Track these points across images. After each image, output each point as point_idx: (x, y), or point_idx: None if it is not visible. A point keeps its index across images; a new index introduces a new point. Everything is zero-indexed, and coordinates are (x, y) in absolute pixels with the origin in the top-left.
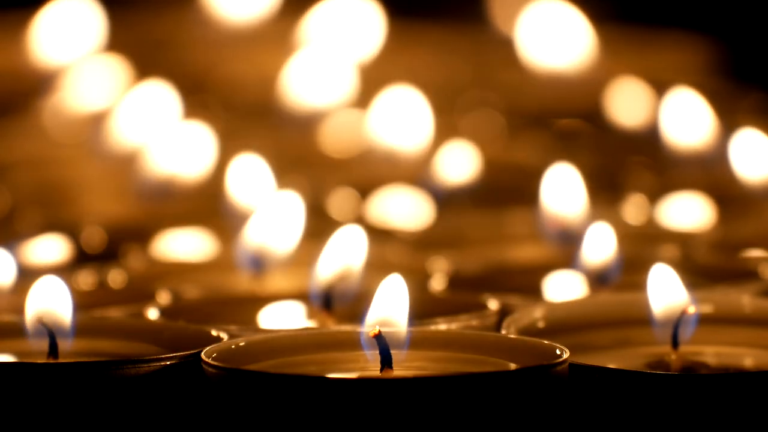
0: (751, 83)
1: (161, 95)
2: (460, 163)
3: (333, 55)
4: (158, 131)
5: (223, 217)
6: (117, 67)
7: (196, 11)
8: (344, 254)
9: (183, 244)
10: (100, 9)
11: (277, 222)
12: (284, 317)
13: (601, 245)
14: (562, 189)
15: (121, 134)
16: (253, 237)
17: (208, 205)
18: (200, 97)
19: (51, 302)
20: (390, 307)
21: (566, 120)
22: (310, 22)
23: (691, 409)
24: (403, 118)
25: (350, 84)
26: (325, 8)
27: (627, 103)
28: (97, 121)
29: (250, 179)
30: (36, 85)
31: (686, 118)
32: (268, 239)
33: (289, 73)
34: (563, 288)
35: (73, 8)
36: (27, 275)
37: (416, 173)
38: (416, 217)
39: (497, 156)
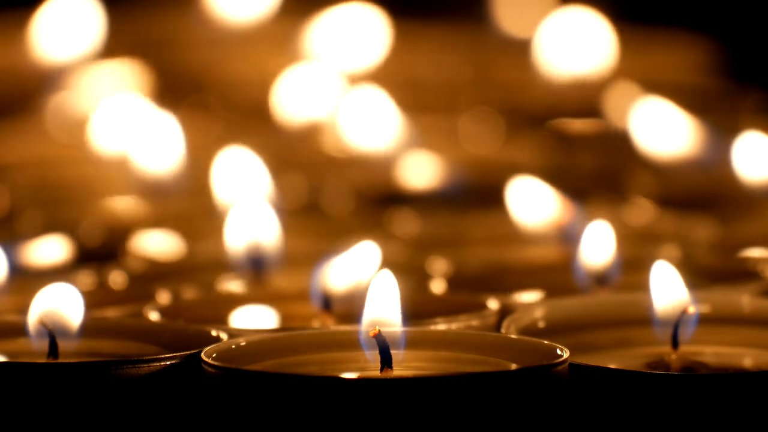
0: (751, 83)
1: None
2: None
3: (333, 55)
4: (158, 131)
5: (222, 218)
6: (117, 66)
7: (196, 11)
8: (357, 268)
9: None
10: (100, 8)
11: (273, 221)
12: (283, 318)
13: (600, 245)
14: (546, 192)
15: (121, 134)
16: (251, 237)
17: (207, 205)
18: (199, 97)
19: (54, 303)
20: (384, 305)
21: (567, 120)
22: (311, 23)
23: (691, 409)
24: (400, 117)
25: (350, 84)
26: (325, 9)
27: (627, 103)
28: (97, 121)
29: (248, 178)
30: (36, 85)
31: (684, 119)
32: (266, 239)
33: (290, 75)
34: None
35: (73, 8)
36: (27, 275)
37: (416, 174)
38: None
39: (496, 156)
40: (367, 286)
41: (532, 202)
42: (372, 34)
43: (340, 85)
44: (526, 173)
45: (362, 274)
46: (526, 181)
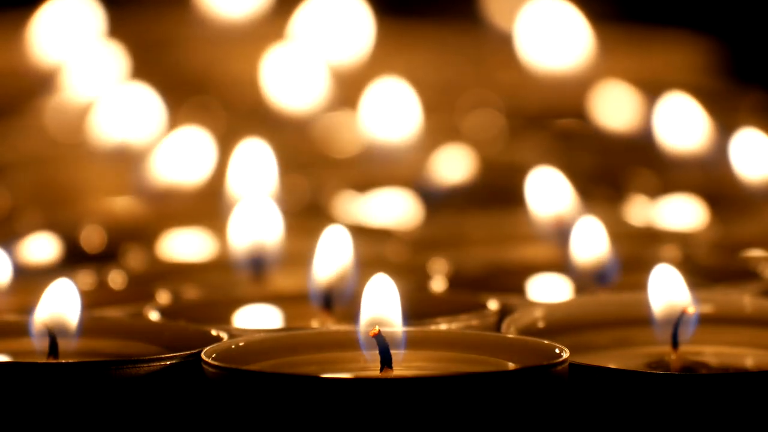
0: (751, 83)
1: (160, 95)
2: (460, 162)
3: (329, 56)
4: (157, 131)
5: (222, 217)
6: (115, 66)
7: (194, 11)
8: (336, 254)
9: (183, 244)
10: (99, 8)
11: (273, 221)
12: (284, 317)
13: (592, 243)
14: (557, 188)
15: (121, 134)
16: (251, 237)
17: (207, 205)
18: (199, 98)
19: (56, 303)
20: (383, 306)
21: (566, 120)
22: (304, 23)
23: (691, 409)
24: (400, 117)
25: (348, 84)
26: (319, 7)
27: (626, 103)
28: (96, 121)
29: (248, 178)
30: (36, 84)
31: (684, 119)
32: (266, 239)
33: (285, 74)
34: (557, 289)
35: (72, 8)
36: (26, 275)
37: (416, 173)
38: (416, 217)
39: (497, 156)
40: (352, 272)
41: (547, 196)
42: (366, 32)
43: (338, 81)
44: (527, 173)
45: (342, 258)
46: (544, 174)
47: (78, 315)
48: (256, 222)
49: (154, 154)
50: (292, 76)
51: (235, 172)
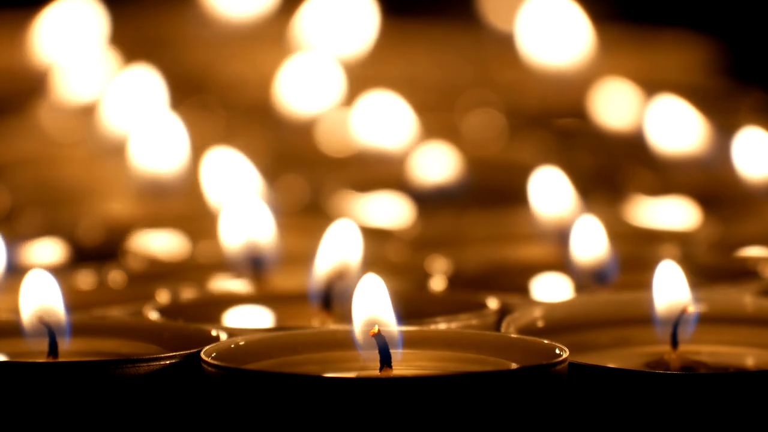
0: (751, 83)
1: (160, 94)
2: (460, 162)
3: (330, 55)
4: (157, 130)
5: (221, 217)
6: (116, 66)
7: (195, 10)
8: (340, 250)
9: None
10: (101, 9)
11: (271, 221)
12: (284, 317)
13: (591, 242)
14: (558, 188)
15: (121, 134)
16: (250, 237)
17: (207, 205)
18: (200, 97)
19: (45, 299)
20: (376, 306)
21: (566, 119)
22: (305, 22)
23: (691, 408)
24: (400, 117)
25: (347, 84)
26: (320, 7)
27: (625, 102)
28: (95, 121)
29: (241, 178)
30: (35, 84)
31: (684, 118)
32: (265, 238)
33: (286, 73)
34: (558, 288)
35: (73, 8)
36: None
37: (416, 173)
38: (415, 216)
39: (497, 156)
40: (355, 269)
41: (548, 196)
42: (367, 32)
43: (338, 81)
44: (527, 173)
45: (347, 254)
46: (544, 174)
47: (62, 303)
48: (254, 222)
49: (154, 153)
50: (291, 76)
51: (222, 173)
